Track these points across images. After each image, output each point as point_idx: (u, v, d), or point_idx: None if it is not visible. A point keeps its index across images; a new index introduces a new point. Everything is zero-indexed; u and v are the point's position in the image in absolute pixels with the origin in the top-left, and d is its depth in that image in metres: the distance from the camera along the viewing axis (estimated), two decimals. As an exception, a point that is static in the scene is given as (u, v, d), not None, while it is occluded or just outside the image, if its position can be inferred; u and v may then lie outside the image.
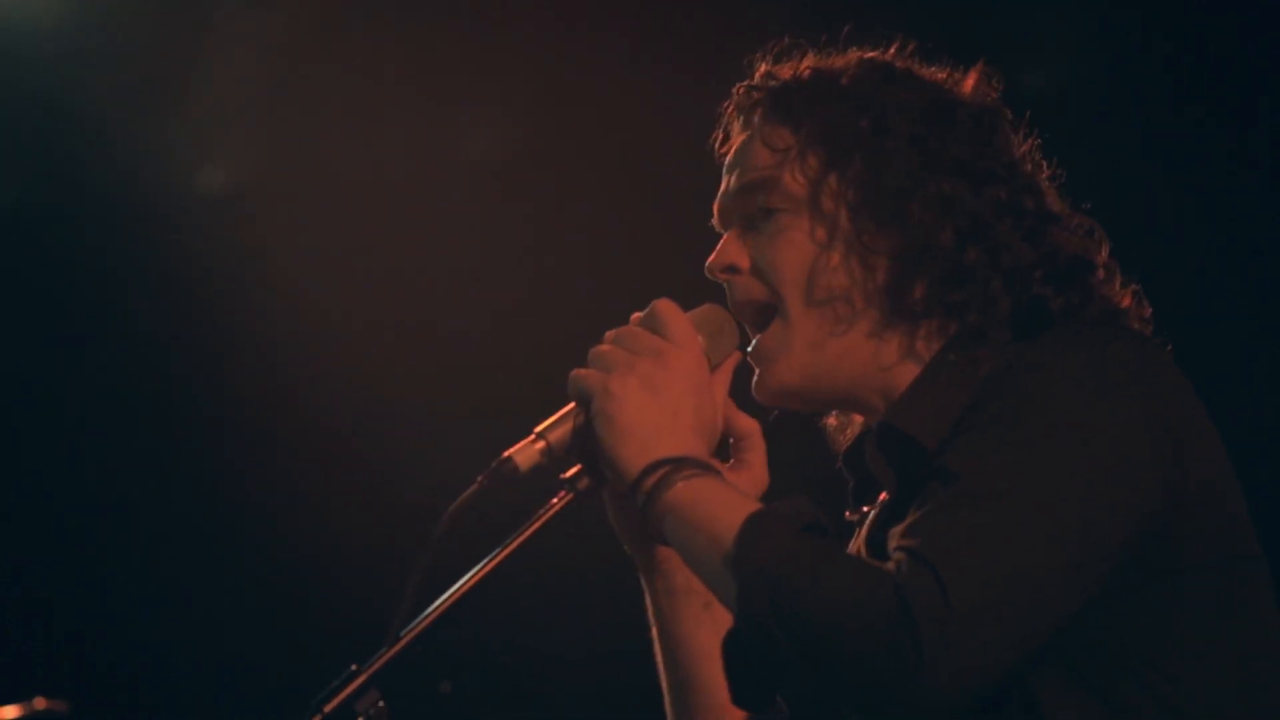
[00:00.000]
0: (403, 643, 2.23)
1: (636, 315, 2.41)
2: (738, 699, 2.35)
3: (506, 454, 2.30)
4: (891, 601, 2.02)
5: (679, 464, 2.23)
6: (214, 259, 5.90)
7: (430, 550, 2.24)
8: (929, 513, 2.11)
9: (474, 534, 2.29)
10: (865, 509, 2.49)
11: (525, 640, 5.88)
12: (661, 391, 2.29)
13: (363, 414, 5.96)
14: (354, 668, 2.23)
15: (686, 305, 2.43)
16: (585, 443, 2.30)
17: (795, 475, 2.49)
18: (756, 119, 2.46)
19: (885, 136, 2.38)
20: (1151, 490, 2.16)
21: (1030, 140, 2.47)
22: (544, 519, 2.31)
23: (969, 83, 2.46)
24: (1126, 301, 2.40)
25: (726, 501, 2.20)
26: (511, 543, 2.28)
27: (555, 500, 2.34)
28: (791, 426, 2.54)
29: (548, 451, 2.31)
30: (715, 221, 2.51)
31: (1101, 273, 2.40)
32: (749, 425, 2.44)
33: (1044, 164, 2.47)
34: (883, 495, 2.44)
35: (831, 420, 2.57)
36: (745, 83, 2.50)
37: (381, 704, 2.21)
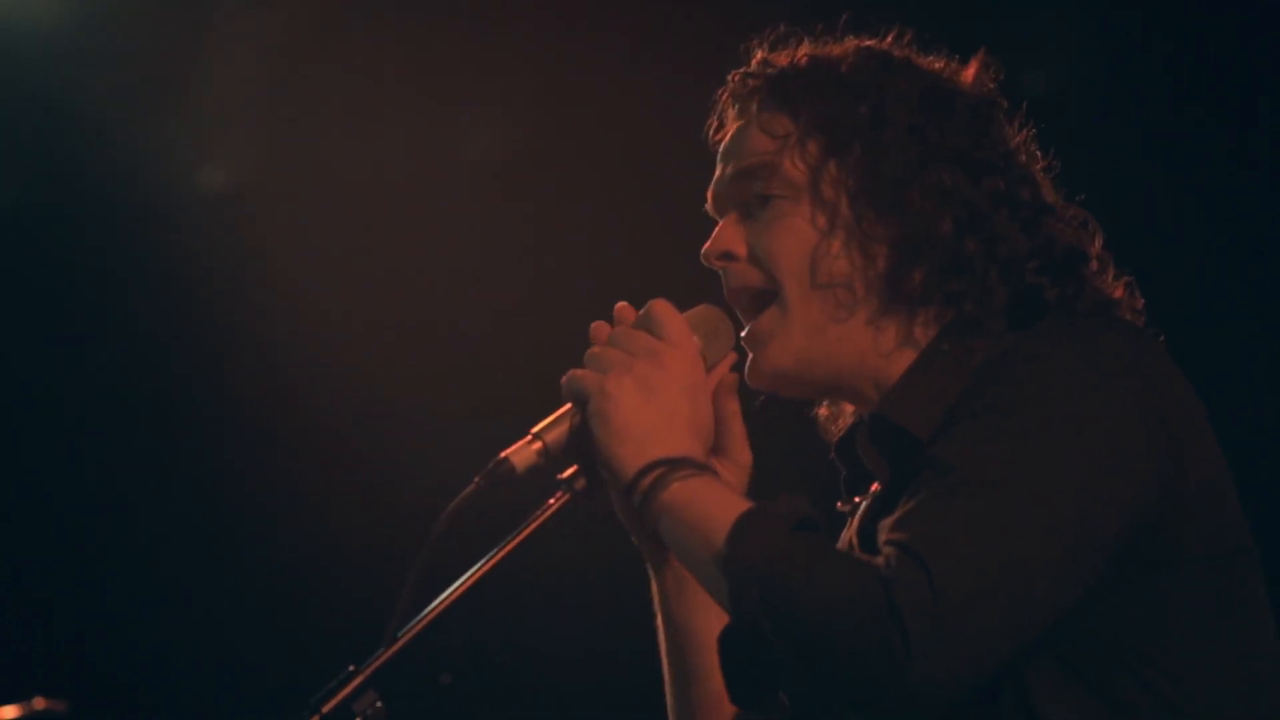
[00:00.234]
0: (400, 643, 2.23)
1: (621, 305, 2.41)
2: (735, 696, 2.35)
3: (503, 455, 2.30)
4: (879, 597, 2.02)
5: (674, 465, 2.23)
6: (214, 259, 5.90)
7: (427, 551, 2.25)
8: (919, 504, 2.11)
9: (471, 535, 2.29)
10: (857, 500, 2.49)
11: (523, 640, 5.88)
12: (657, 392, 2.29)
13: (363, 414, 5.96)
14: (352, 668, 2.23)
15: (687, 305, 2.43)
16: (582, 443, 2.30)
17: (789, 465, 2.49)
18: (754, 106, 2.46)
19: (885, 125, 2.38)
20: (1147, 482, 2.16)
21: (1025, 131, 2.47)
22: (541, 519, 2.31)
23: (967, 73, 2.46)
24: (1119, 293, 2.40)
25: (720, 501, 2.20)
26: (509, 543, 2.28)
27: (552, 501, 2.34)
28: (786, 416, 2.54)
29: (544, 452, 2.31)
30: (710, 207, 2.51)
31: (1095, 264, 2.40)
32: (727, 408, 2.43)
33: (1038, 155, 2.46)
34: (875, 486, 2.44)
35: (823, 411, 2.57)
36: (741, 70, 2.49)
37: (379, 704, 2.21)
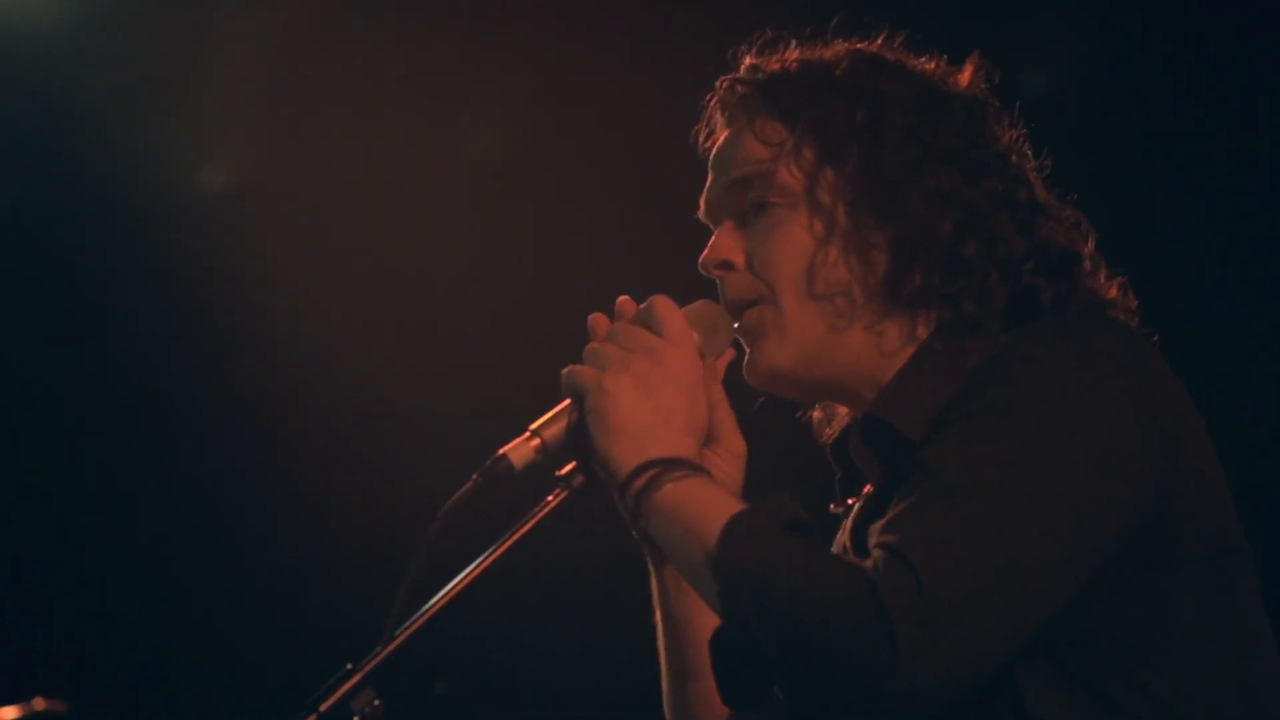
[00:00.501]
0: (398, 641, 2.23)
1: (622, 299, 2.41)
2: (727, 698, 2.35)
3: (501, 452, 2.30)
4: (868, 600, 2.02)
5: (669, 465, 2.23)
6: (214, 259, 5.90)
7: (425, 549, 2.24)
8: (910, 507, 2.11)
9: (469, 532, 2.29)
10: (850, 501, 2.49)
11: (521, 638, 5.88)
12: (655, 391, 2.28)
13: (363, 414, 5.96)
14: (349, 666, 2.23)
15: (686, 304, 2.42)
16: (580, 440, 2.30)
17: (785, 466, 2.49)
18: (746, 113, 2.44)
19: (881, 129, 2.36)
20: (1143, 482, 2.15)
21: (1017, 130, 2.46)
22: (539, 516, 2.31)
23: (960, 74, 2.45)
24: (1113, 293, 2.40)
25: (713, 502, 2.19)
26: (507, 540, 2.28)
27: (550, 497, 2.33)
28: (783, 417, 2.54)
29: (542, 449, 2.31)
30: (702, 215, 2.50)
31: (1088, 264, 2.39)
32: (712, 395, 2.41)
33: (1030, 155, 2.46)
34: (868, 487, 2.44)
35: (816, 414, 2.56)
36: (730, 76, 2.48)
37: (377, 703, 2.21)
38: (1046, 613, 2.10)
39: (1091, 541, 2.12)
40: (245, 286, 5.91)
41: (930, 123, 2.38)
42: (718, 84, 2.49)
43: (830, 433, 2.54)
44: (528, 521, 2.30)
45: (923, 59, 2.47)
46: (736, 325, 2.43)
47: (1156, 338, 2.36)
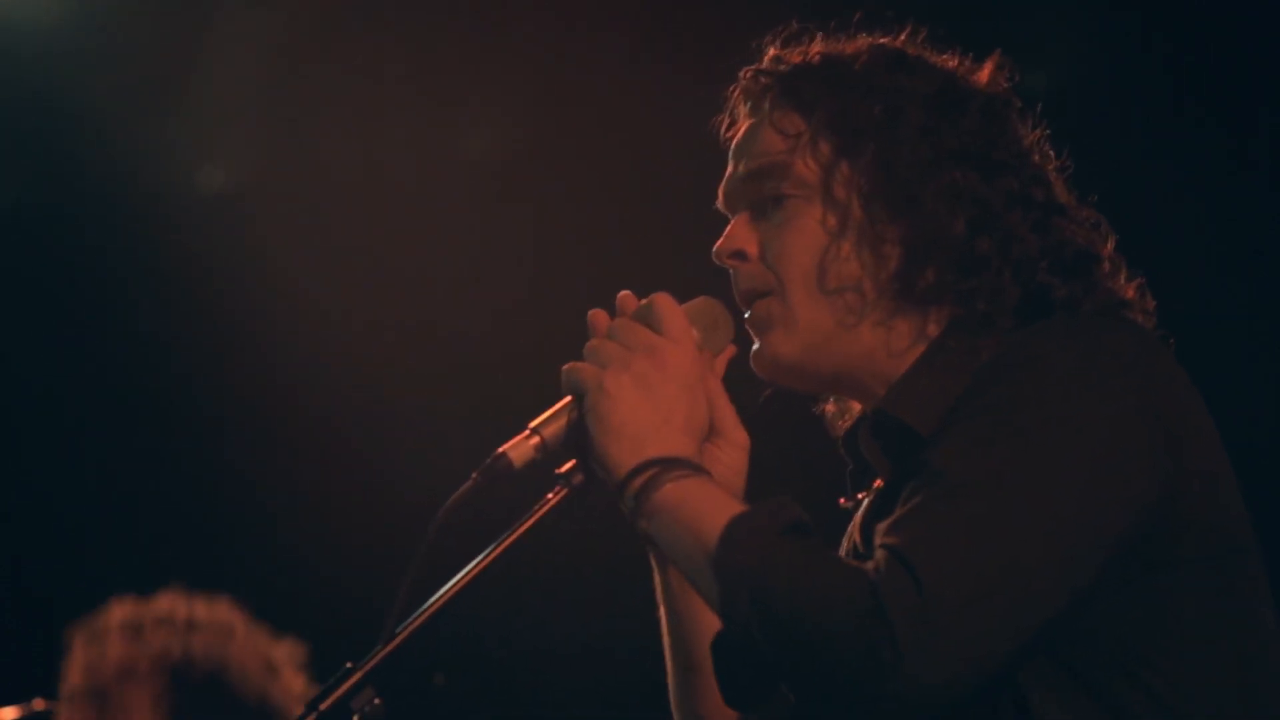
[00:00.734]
0: (398, 640, 2.22)
1: (623, 295, 2.41)
2: (730, 699, 2.35)
3: (501, 450, 2.30)
4: (868, 602, 2.02)
5: (668, 465, 2.22)
6: (214, 259, 5.91)
7: (425, 547, 2.24)
8: (913, 507, 2.10)
9: (469, 530, 2.29)
10: (861, 496, 2.48)
11: (520, 637, 5.88)
12: (654, 390, 2.28)
13: (363, 414, 5.96)
14: (349, 665, 2.23)
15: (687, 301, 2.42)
16: (580, 438, 2.30)
17: (795, 459, 2.48)
18: (766, 104, 2.44)
19: (898, 124, 2.35)
20: (1146, 482, 2.14)
21: (1038, 130, 2.45)
22: (539, 514, 2.30)
23: (981, 71, 2.44)
24: (1130, 294, 2.38)
25: (712, 503, 2.19)
26: (506, 539, 2.28)
27: (550, 495, 2.33)
28: (792, 410, 2.53)
29: (542, 447, 2.30)
30: (720, 204, 2.49)
31: (1107, 265, 2.38)
32: (710, 389, 2.40)
33: (1051, 155, 2.45)
34: (878, 482, 2.44)
35: (829, 407, 2.55)
36: (753, 67, 2.47)
37: (377, 701, 2.21)
38: (1048, 613, 2.10)
39: (1094, 541, 2.12)
40: (245, 286, 5.91)
41: (948, 120, 2.36)
42: (741, 74, 2.48)
43: (844, 424, 2.53)
44: (528, 519, 2.30)
45: (945, 55, 2.46)
46: (746, 315, 2.43)
47: (1173, 340, 2.35)
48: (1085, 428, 2.13)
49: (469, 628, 5.32)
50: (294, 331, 5.93)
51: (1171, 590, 2.18)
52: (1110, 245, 2.40)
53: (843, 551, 2.50)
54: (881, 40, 2.46)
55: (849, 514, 2.52)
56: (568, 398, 2.33)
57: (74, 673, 4.00)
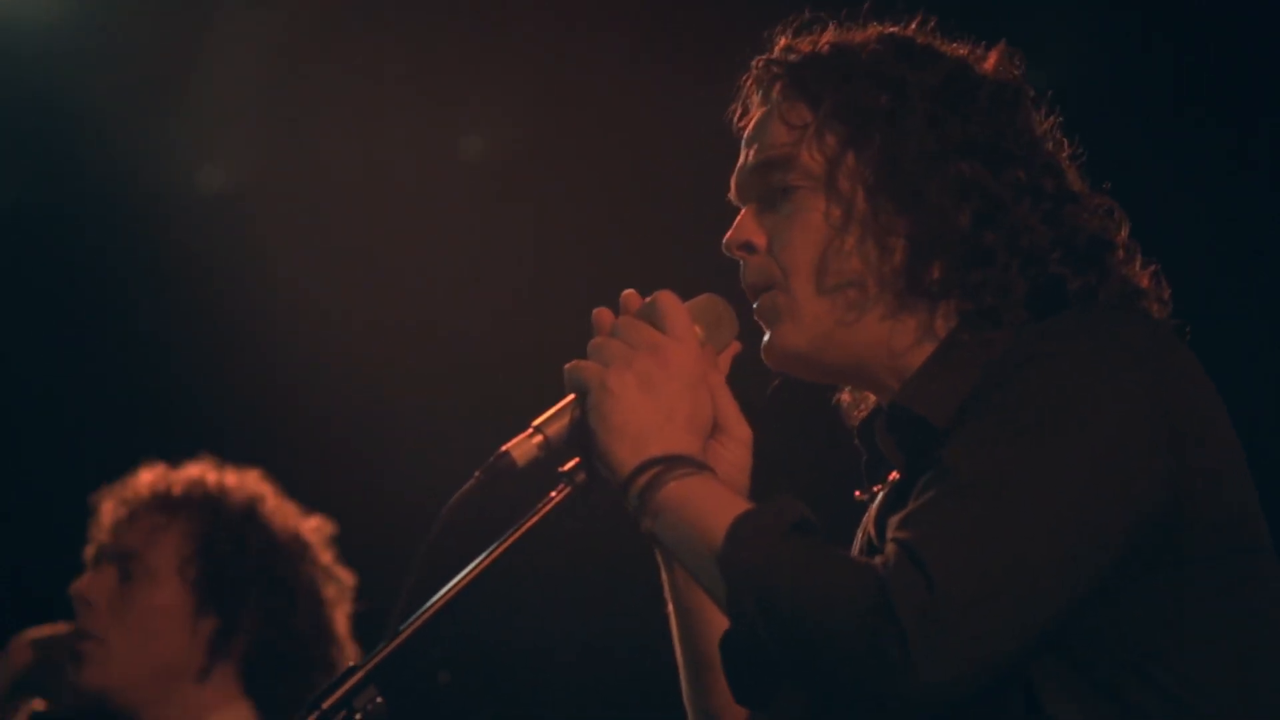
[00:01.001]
0: (400, 639, 2.22)
1: (627, 293, 2.40)
2: (740, 697, 2.35)
3: (504, 448, 2.30)
4: (876, 599, 2.02)
5: (671, 463, 2.23)
6: (214, 259, 5.90)
7: (428, 546, 2.24)
8: (923, 505, 2.10)
9: (472, 529, 2.29)
10: (876, 489, 2.48)
11: (523, 636, 5.87)
12: (658, 389, 2.28)
13: (363, 414, 5.96)
14: (351, 664, 2.23)
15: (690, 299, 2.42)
16: (583, 436, 2.30)
17: (808, 451, 2.47)
18: (775, 94, 2.43)
19: (904, 115, 2.35)
20: (1154, 479, 2.14)
21: (1052, 118, 2.44)
22: (542, 513, 2.31)
23: (991, 60, 2.43)
24: (1146, 283, 2.37)
25: (717, 501, 2.19)
26: (509, 537, 2.28)
27: (554, 494, 2.33)
28: (806, 403, 2.53)
29: (545, 445, 2.30)
30: (732, 195, 2.49)
31: (1121, 253, 2.37)
32: (712, 383, 2.39)
33: (1065, 142, 2.44)
34: (893, 475, 2.43)
35: (845, 397, 2.54)
36: (764, 56, 2.47)
37: (379, 700, 2.21)
38: (1056, 611, 2.10)
39: (1101, 539, 2.12)
40: (245, 286, 5.91)
41: (955, 110, 2.35)
42: (752, 64, 2.48)
43: (859, 414, 2.53)
44: (531, 518, 2.30)
45: (956, 44, 2.44)
46: (755, 307, 2.43)
47: (1189, 329, 2.34)
48: (1092, 426, 2.13)
49: (472, 627, 5.32)
50: (294, 331, 5.92)
51: (1178, 587, 2.18)
52: (1124, 232, 2.39)
53: (857, 544, 2.51)
54: (891, 30, 2.44)
55: (861, 507, 2.52)
56: (570, 396, 2.33)
57: (100, 533, 3.96)
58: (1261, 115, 5.12)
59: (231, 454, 6.01)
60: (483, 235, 5.82)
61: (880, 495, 2.46)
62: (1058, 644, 2.14)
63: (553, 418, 2.32)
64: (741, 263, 2.44)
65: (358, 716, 2.20)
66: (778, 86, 2.44)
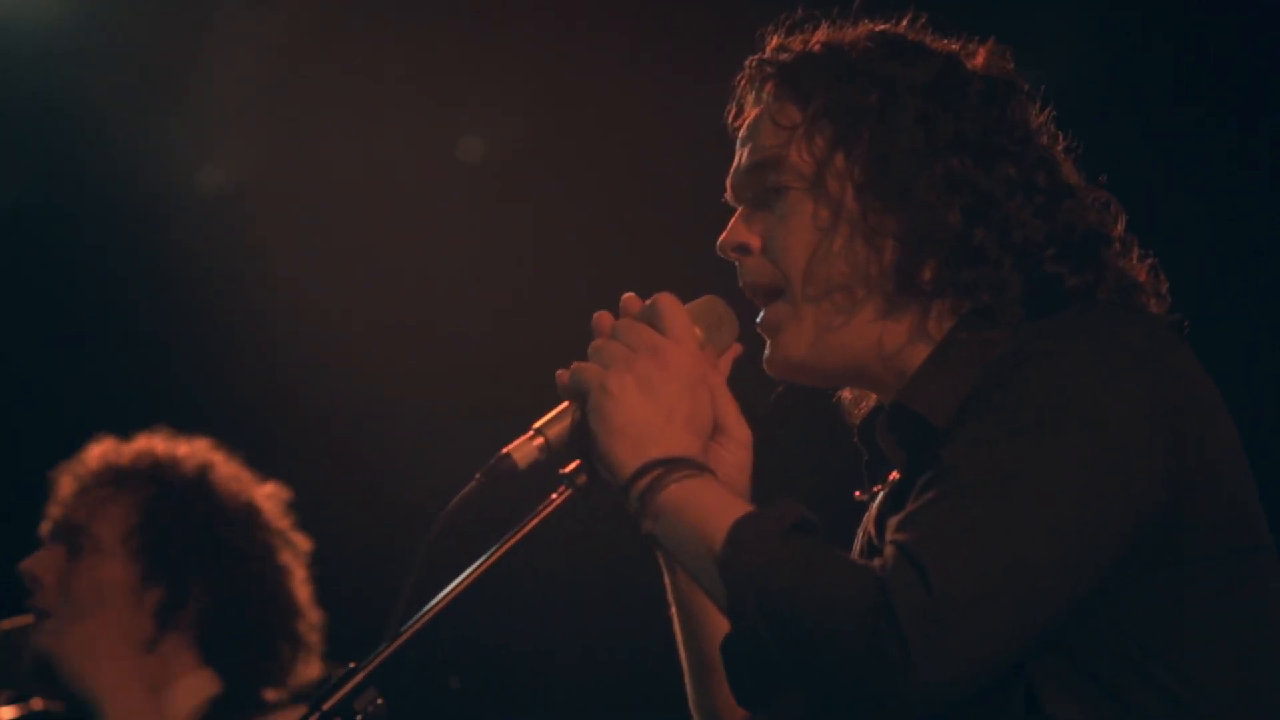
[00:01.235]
0: (401, 640, 2.22)
1: (627, 296, 2.40)
2: (742, 699, 2.34)
3: (505, 450, 2.30)
4: (875, 600, 2.02)
5: (672, 465, 2.23)
6: (214, 259, 5.91)
7: (428, 548, 2.24)
8: (922, 506, 2.10)
9: (473, 531, 2.29)
10: (876, 489, 2.48)
11: (524, 637, 5.87)
12: (658, 390, 2.28)
13: (363, 414, 5.96)
14: (352, 665, 2.23)
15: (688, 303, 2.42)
16: (584, 438, 2.30)
17: (810, 453, 2.47)
18: (767, 94, 2.43)
19: (893, 113, 2.34)
20: (1154, 479, 2.14)
21: (1047, 111, 2.43)
22: (543, 515, 2.31)
23: (981, 55, 2.42)
24: (1143, 275, 2.36)
25: (717, 503, 2.19)
26: (510, 539, 2.28)
27: (555, 496, 2.33)
28: (805, 404, 2.53)
29: (546, 448, 2.30)
30: (728, 196, 2.48)
31: (1118, 246, 2.36)
32: (712, 383, 2.38)
33: (1059, 136, 2.42)
34: (894, 474, 2.43)
35: (846, 394, 2.54)
36: (756, 55, 2.46)
37: (380, 701, 2.21)
38: (1054, 611, 2.10)
39: (1101, 539, 2.11)
40: (245, 286, 5.91)
41: (945, 107, 2.34)
42: (746, 64, 2.47)
43: (860, 411, 2.52)
44: (531, 520, 2.30)
45: (946, 40, 2.43)
46: (758, 321, 2.43)
47: (1187, 324, 2.34)
48: (1092, 426, 2.12)
49: (472, 629, 5.32)
50: (294, 331, 5.92)
51: (1179, 587, 2.18)
52: (1121, 225, 2.38)
53: (858, 544, 2.51)
54: (882, 28, 2.44)
55: (862, 507, 2.52)
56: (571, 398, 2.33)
57: (53, 509, 3.95)
58: (1261, 115, 5.12)
59: (232, 454, 6.02)
60: (482, 235, 5.82)
61: (880, 495, 2.46)
62: (1058, 644, 2.14)
63: (553, 420, 2.32)
64: (737, 265, 2.44)
65: (358, 718, 2.20)
66: (769, 87, 2.43)
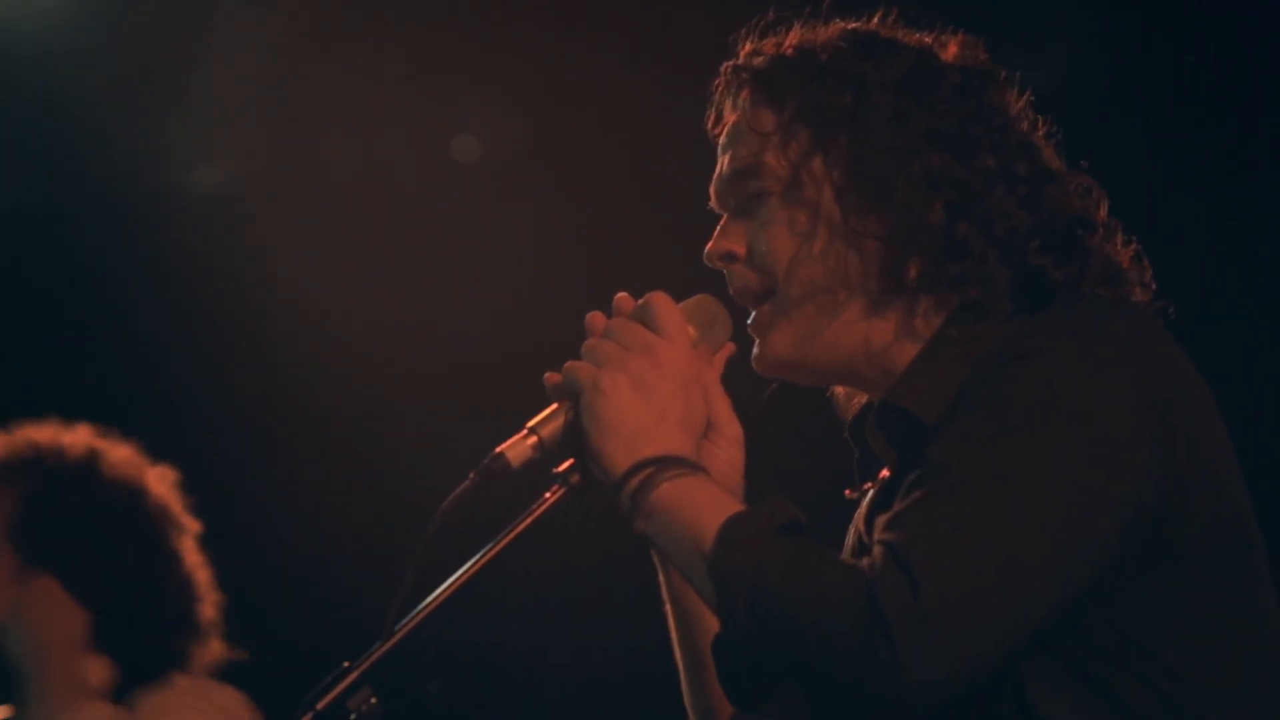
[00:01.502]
0: (395, 639, 2.22)
1: (620, 296, 2.40)
2: (733, 699, 2.34)
3: (499, 449, 2.29)
4: (863, 601, 2.02)
5: (664, 464, 2.22)
6: (214, 258, 5.91)
7: (423, 547, 2.24)
8: (910, 505, 2.10)
9: (467, 530, 2.29)
10: (866, 486, 2.48)
11: (518, 636, 5.88)
12: (651, 389, 2.27)
13: (363, 414, 5.96)
14: (346, 665, 2.23)
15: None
16: (576, 437, 2.29)
17: (800, 450, 2.47)
18: (743, 100, 2.42)
19: (867, 113, 2.33)
20: (1145, 476, 2.13)
21: (1024, 97, 2.40)
22: (536, 514, 2.30)
23: (952, 47, 2.39)
24: (1127, 262, 2.35)
25: (708, 503, 2.19)
26: (504, 538, 2.28)
27: (548, 495, 2.32)
28: (797, 402, 2.52)
29: (540, 446, 2.30)
30: (713, 203, 2.48)
31: (1101, 231, 2.35)
32: (705, 379, 2.38)
33: (1039, 121, 2.40)
34: (884, 472, 2.42)
35: (839, 390, 2.53)
36: (731, 62, 2.45)
37: (374, 700, 2.21)
38: (1045, 610, 2.09)
39: (1092, 537, 2.11)
40: (245, 286, 5.91)
41: (920, 102, 2.33)
42: (721, 69, 2.47)
43: (854, 405, 2.52)
44: (525, 519, 2.30)
45: (920, 33, 2.41)
46: (749, 322, 2.42)
47: (1172, 310, 2.33)
48: (1081, 423, 2.12)
49: (466, 628, 5.32)
50: (294, 331, 5.93)
51: (1173, 586, 2.17)
52: (1104, 210, 2.37)
53: (849, 542, 2.50)
54: (853, 26, 2.42)
55: (854, 504, 2.52)
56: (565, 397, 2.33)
57: None
58: (1261, 115, 5.12)
59: (231, 454, 6.03)
60: (482, 235, 5.82)
61: (871, 493, 2.45)
62: (1050, 643, 2.14)
63: (547, 419, 2.32)
64: (726, 272, 2.44)
65: (352, 717, 2.20)
66: (744, 93, 2.42)
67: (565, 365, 2.32)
